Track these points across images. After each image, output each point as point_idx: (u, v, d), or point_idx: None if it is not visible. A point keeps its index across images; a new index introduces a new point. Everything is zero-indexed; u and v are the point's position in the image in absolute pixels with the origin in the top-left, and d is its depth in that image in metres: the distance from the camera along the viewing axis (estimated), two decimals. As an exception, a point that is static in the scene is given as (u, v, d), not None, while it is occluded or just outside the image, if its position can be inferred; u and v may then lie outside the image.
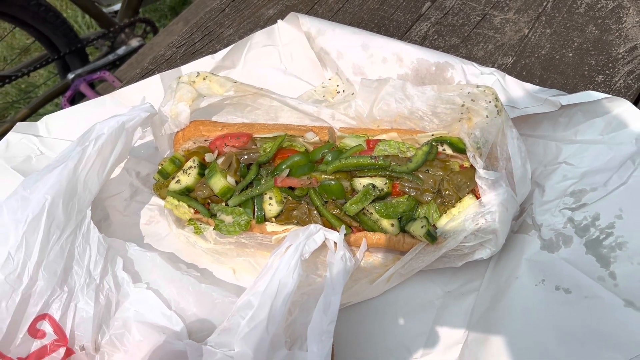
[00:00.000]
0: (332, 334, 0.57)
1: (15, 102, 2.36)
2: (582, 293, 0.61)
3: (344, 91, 0.85)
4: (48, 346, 0.64)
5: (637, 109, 0.72)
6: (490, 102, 0.70)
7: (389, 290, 0.70)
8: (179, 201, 0.75)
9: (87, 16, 2.44)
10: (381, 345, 0.66)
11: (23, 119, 1.85)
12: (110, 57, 1.94)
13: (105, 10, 1.93)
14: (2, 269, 0.61)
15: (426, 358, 0.64)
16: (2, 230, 0.63)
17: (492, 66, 0.84)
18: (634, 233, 0.65)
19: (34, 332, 0.63)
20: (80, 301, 0.65)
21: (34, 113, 1.89)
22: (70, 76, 1.83)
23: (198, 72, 0.80)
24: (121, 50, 1.94)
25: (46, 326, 0.64)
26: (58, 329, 0.65)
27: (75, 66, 1.91)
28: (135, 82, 0.92)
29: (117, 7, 1.98)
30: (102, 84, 1.83)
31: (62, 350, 0.64)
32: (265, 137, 0.75)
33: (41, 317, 0.64)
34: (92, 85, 1.80)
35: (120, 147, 0.71)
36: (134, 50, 1.93)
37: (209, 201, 0.75)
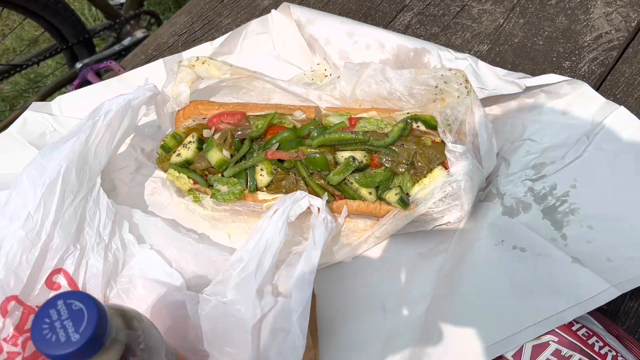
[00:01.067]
0: (312, 283, 0.64)
1: (24, 91, 2.44)
2: (536, 251, 0.69)
3: (330, 75, 0.92)
4: (63, 297, 0.72)
5: (594, 91, 0.79)
6: (460, 84, 0.77)
7: (366, 252, 0.77)
8: (179, 173, 0.82)
9: (93, 8, 2.52)
10: (358, 298, 0.73)
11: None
12: (116, 47, 2.02)
13: (111, 2, 2.00)
14: (23, 227, 0.68)
15: (398, 309, 0.71)
16: (22, 194, 0.70)
17: (469, 53, 0.90)
18: (585, 200, 0.72)
19: (51, 284, 0.71)
20: (91, 258, 0.73)
21: (43, 101, 1.96)
22: (78, 65, 1.90)
23: (197, 57, 0.88)
24: (126, 41, 2.02)
25: (61, 279, 0.72)
26: (72, 282, 0.72)
27: (82, 56, 1.99)
28: (140, 66, 0.99)
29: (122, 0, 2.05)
30: (109, 73, 1.91)
31: (75, 301, 0.72)
32: (257, 115, 0.83)
33: (56, 271, 0.72)
34: (98, 74, 1.88)
35: (127, 123, 0.79)
36: (139, 41, 2.00)
37: (207, 173, 0.82)
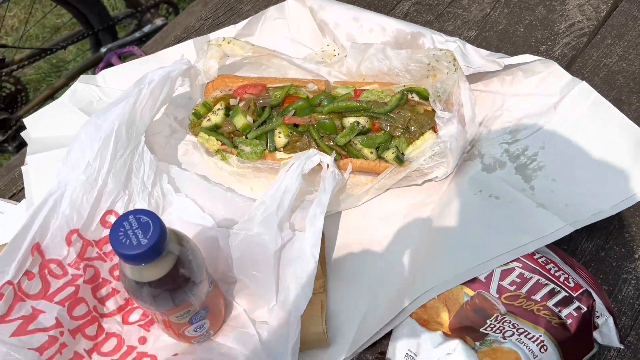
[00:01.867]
0: (322, 220, 0.78)
1: (47, 75, 2.57)
2: (508, 199, 0.82)
3: (338, 54, 1.05)
4: (113, 234, 0.85)
5: (562, 69, 0.91)
6: (449, 62, 0.90)
7: (366, 202, 0.91)
8: (209, 135, 0.96)
9: (113, -2, 2.64)
10: (359, 239, 0.87)
11: (60, 88, 2.06)
12: (137, 34, 2.14)
13: (133, -9, 2.12)
14: (84, 172, 0.81)
15: (393, 246, 0.85)
16: (81, 147, 0.83)
17: (460, 38, 1.03)
18: (551, 160, 0.85)
19: (104, 222, 0.84)
20: (137, 203, 0.86)
21: (69, 82, 2.10)
22: (103, 49, 2.04)
23: (224, 37, 1.01)
24: (146, 28, 2.15)
25: (112, 219, 0.85)
26: (121, 221, 0.86)
27: (106, 41, 2.12)
28: (172, 46, 1.12)
29: (144, -11, 2.16)
30: (131, 57, 2.05)
31: (123, 238, 0.86)
32: (276, 87, 0.96)
33: (109, 212, 0.85)
34: (121, 58, 2.01)
35: (166, 91, 0.92)
36: (158, 28, 2.13)
37: (232, 135, 0.95)
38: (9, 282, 0.74)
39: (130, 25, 2.16)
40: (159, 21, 2.14)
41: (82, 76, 1.05)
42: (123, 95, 0.88)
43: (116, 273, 0.83)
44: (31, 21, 2.55)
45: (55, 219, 0.79)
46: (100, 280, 0.83)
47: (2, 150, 1.97)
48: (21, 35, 2.41)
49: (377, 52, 0.93)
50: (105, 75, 1.06)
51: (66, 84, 2.07)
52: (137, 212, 0.61)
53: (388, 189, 0.91)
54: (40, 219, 0.78)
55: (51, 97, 2.05)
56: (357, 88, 0.93)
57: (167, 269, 0.63)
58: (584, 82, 0.88)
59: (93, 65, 2.09)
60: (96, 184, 0.82)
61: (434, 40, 0.99)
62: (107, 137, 0.84)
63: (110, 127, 0.84)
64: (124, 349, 0.81)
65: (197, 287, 0.68)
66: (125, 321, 0.83)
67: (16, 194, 1.01)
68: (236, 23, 1.12)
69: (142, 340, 0.82)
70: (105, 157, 0.83)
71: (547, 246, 0.77)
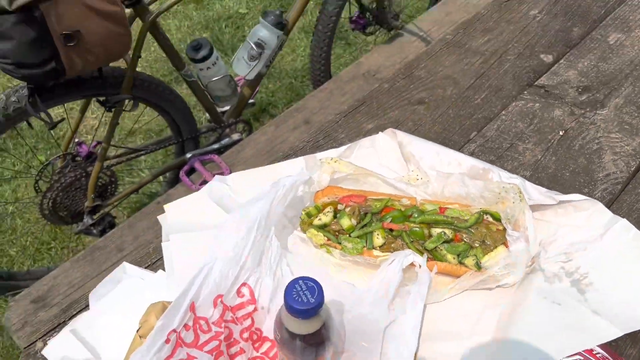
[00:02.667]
0: (422, 306, 0.96)
1: (135, 170, 2.86)
2: (569, 306, 1.01)
3: (421, 179, 1.29)
4: (244, 303, 1.03)
5: (605, 207, 1.14)
6: (515, 193, 1.14)
7: (448, 299, 1.09)
8: (317, 231, 1.17)
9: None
10: (439, 329, 1.04)
11: (145, 183, 2.33)
12: (216, 145, 2.45)
13: (218, 110, 2.46)
14: (232, 250, 1.02)
15: (468, 339, 1.02)
16: (231, 229, 1.05)
17: (518, 175, 1.27)
18: (600, 278, 1.05)
19: (239, 292, 1.03)
20: (265, 279, 1.05)
21: (154, 179, 2.37)
22: (188, 155, 2.32)
23: (331, 157, 1.27)
24: (225, 141, 2.45)
25: (245, 290, 1.04)
26: (251, 293, 1.04)
27: (189, 148, 2.42)
28: (281, 161, 1.38)
29: (226, 108, 2.51)
30: (210, 164, 2.33)
31: (251, 307, 1.03)
32: (375, 199, 1.19)
33: (243, 284, 1.04)
34: (202, 164, 2.29)
35: (291, 195, 1.15)
36: (234, 142, 2.44)
37: (337, 233, 1.17)
38: (174, 331, 0.92)
39: (211, 137, 2.48)
40: (236, 136, 2.45)
41: (217, 176, 1.30)
42: (262, 194, 1.12)
43: (245, 335, 1.01)
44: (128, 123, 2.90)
45: (207, 285, 0.99)
46: (232, 339, 1.00)
47: (87, 232, 2.19)
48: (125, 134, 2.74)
49: (457, 179, 1.18)
50: (234, 177, 1.31)
51: (151, 181, 2.34)
52: (304, 279, 0.81)
53: (466, 290, 1.10)
54: (197, 284, 0.98)
55: (137, 190, 2.31)
56: (442, 206, 1.16)
57: (317, 326, 0.82)
58: (624, 219, 1.11)
59: (177, 167, 2.37)
60: (240, 260, 1.03)
61: (500, 176, 1.24)
62: (252, 224, 1.06)
63: (255, 218, 1.07)
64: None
65: (331, 346, 0.86)
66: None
67: (151, 265, 1.21)
68: (333, 147, 1.39)
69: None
70: (249, 240, 1.05)
71: (602, 348, 0.95)
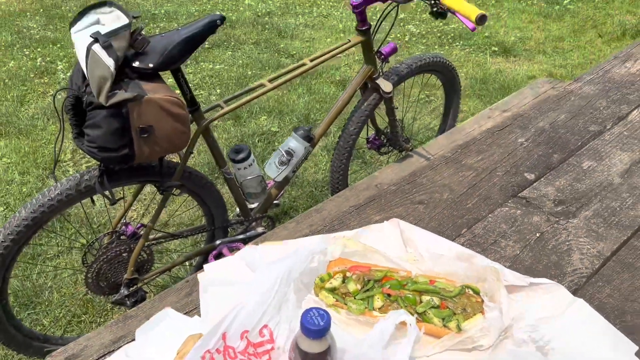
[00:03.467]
0: (408, 355, 1.16)
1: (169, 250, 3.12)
2: (531, 364, 1.19)
3: (417, 259, 1.53)
4: (264, 341, 1.24)
5: (567, 290, 1.36)
6: (494, 275, 1.37)
7: (432, 355, 1.28)
8: (328, 294, 1.40)
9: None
10: (428, 377, 1.22)
11: (178, 264, 2.58)
12: (242, 236, 2.73)
13: (248, 205, 2.76)
14: (260, 297, 1.25)
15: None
16: (260, 281, 1.29)
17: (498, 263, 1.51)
18: (561, 345, 1.24)
19: (260, 332, 1.24)
20: (283, 324, 1.27)
21: (186, 260, 2.62)
22: (218, 242, 2.60)
23: (344, 235, 1.53)
24: (250, 233, 2.73)
25: (266, 331, 1.25)
26: (271, 335, 1.25)
27: (218, 236, 2.70)
28: (300, 237, 1.64)
29: (255, 205, 2.81)
30: (236, 252, 2.55)
31: (269, 346, 1.24)
32: (377, 270, 1.43)
33: (264, 326, 1.25)
34: (230, 251, 2.55)
35: (307, 264, 1.40)
36: (258, 235, 2.72)
37: (345, 296, 1.40)
38: (208, 351, 1.13)
39: (238, 228, 2.76)
40: (260, 229, 2.73)
41: (250, 244, 1.56)
42: (287, 256, 1.37)
43: (262, 368, 1.20)
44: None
45: (237, 321, 1.21)
46: (252, 369, 1.20)
47: (122, 302, 2.40)
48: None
49: (446, 260, 1.42)
50: (264, 246, 1.57)
51: (183, 262, 2.59)
52: (316, 309, 1.04)
53: (447, 350, 1.29)
54: (230, 318, 1.20)
55: (169, 269, 2.55)
56: (432, 279, 1.39)
57: (324, 347, 1.03)
58: (582, 299, 1.32)
59: (206, 252, 2.63)
60: (264, 305, 1.26)
61: (483, 261, 1.48)
62: (276, 278, 1.30)
63: (278, 273, 1.31)
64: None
65: (333, 368, 1.06)
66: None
67: (188, 312, 1.44)
68: (346, 230, 1.65)
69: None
70: (273, 290, 1.28)
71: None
